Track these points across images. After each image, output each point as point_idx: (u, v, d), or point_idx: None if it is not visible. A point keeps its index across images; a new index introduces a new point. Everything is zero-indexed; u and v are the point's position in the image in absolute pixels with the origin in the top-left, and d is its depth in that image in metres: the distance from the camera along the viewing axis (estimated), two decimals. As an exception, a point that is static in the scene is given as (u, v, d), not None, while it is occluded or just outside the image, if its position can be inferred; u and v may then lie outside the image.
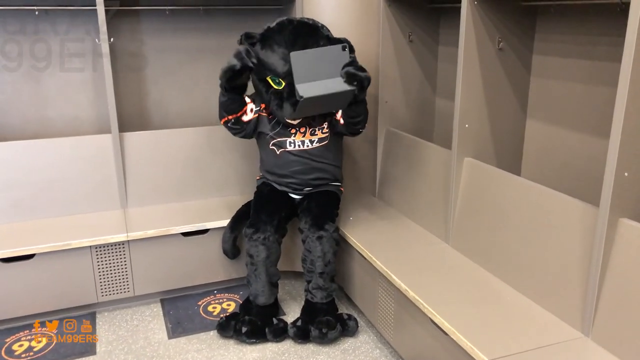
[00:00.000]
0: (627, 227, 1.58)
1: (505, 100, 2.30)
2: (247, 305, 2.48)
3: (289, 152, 2.50)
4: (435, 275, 2.12)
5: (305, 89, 2.06)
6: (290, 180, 2.56)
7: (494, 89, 2.24)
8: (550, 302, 1.83)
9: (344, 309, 2.62)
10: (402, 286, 2.03)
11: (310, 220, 2.43)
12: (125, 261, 2.54)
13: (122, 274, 2.55)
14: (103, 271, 2.52)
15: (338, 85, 2.10)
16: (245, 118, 2.45)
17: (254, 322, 2.37)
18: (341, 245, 2.51)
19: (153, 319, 2.58)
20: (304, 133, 2.49)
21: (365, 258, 2.33)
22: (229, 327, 2.39)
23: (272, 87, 2.35)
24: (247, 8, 3.06)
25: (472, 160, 2.24)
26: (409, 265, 2.18)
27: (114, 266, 2.53)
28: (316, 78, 2.10)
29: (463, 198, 2.26)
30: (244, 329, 2.35)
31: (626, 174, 1.54)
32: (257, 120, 2.50)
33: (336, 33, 2.49)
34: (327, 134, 2.52)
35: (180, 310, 2.63)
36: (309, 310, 2.42)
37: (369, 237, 2.45)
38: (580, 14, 2.07)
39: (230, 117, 2.42)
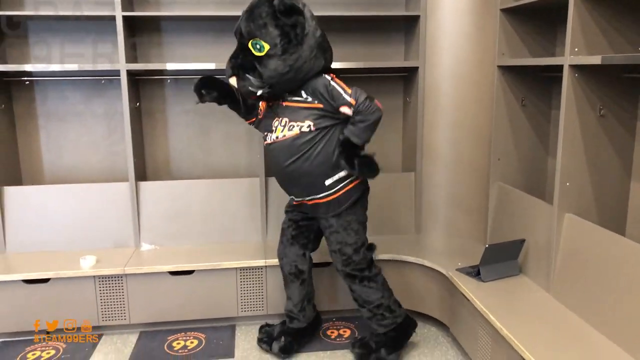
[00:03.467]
0: None
1: (607, 161, 2.42)
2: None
3: None
4: (536, 321, 2.27)
5: (487, 274, 2.66)
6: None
7: (595, 151, 2.39)
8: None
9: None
10: (504, 331, 2.24)
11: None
12: (262, 283, 3.05)
13: (259, 293, 3.06)
14: (244, 290, 3.04)
15: (512, 268, 2.72)
16: None
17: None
18: (451, 291, 2.79)
19: (280, 335, 3.02)
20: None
21: (469, 300, 2.56)
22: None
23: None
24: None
25: (573, 216, 2.41)
26: (510, 310, 2.38)
27: (253, 286, 3.04)
28: (496, 262, 2.69)
29: (564, 252, 2.42)
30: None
31: None
32: None
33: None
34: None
35: (304, 331, 3.05)
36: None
37: (474, 281, 2.67)
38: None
39: None
